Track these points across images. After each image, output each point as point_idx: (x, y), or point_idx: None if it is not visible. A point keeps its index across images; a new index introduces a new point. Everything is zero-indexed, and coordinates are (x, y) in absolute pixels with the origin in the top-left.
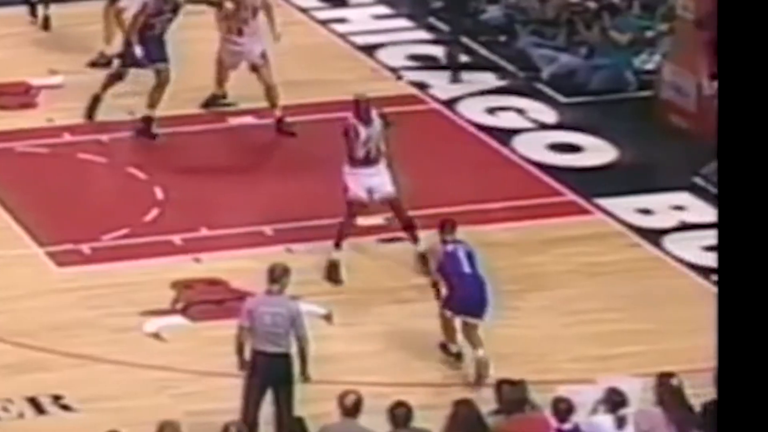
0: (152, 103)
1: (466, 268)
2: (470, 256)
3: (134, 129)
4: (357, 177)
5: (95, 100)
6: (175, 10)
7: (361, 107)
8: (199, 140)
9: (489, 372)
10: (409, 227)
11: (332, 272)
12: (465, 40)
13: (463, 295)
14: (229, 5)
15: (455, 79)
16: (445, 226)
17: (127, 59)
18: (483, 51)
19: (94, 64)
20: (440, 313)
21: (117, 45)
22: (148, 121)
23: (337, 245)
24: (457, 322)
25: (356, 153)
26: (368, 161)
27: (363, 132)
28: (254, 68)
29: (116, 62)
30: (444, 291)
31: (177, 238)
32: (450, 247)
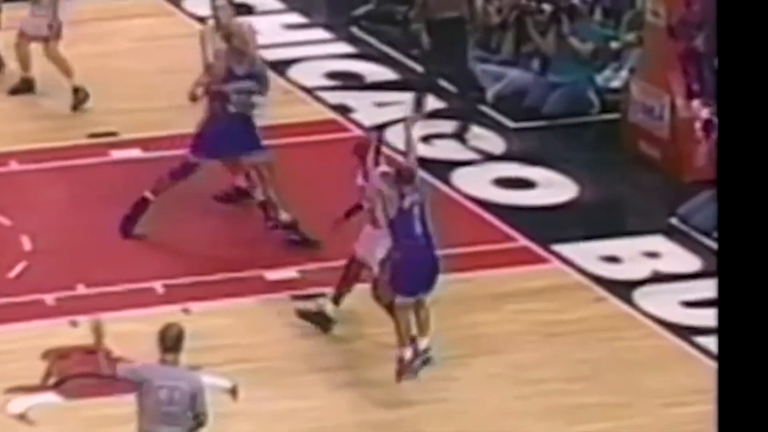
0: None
1: (418, 230)
2: (422, 211)
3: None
4: (368, 236)
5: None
6: (256, 78)
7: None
8: (75, 177)
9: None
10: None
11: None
12: (391, 52)
13: (414, 267)
14: None
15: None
16: (403, 174)
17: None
18: (413, 65)
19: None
20: (395, 305)
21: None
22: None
23: (336, 302)
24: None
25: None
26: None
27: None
28: None
29: None
30: (387, 265)
31: (49, 298)
32: (407, 203)
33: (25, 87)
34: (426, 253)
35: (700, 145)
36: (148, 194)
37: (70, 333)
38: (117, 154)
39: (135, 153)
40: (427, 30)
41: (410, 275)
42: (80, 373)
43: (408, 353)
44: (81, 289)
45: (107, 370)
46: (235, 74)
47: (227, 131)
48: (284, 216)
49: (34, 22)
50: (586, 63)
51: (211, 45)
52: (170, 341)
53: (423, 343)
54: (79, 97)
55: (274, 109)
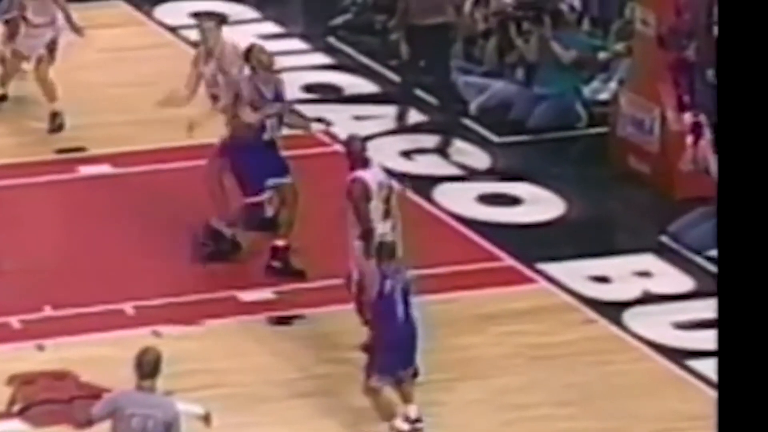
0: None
1: (400, 313)
2: (406, 293)
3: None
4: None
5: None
6: (281, 100)
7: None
8: (42, 194)
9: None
10: None
11: None
12: (371, 64)
13: (394, 349)
14: None
15: None
16: (384, 250)
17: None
18: (393, 77)
19: None
20: (366, 387)
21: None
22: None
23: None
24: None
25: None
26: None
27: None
28: None
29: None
30: (369, 342)
31: (14, 320)
32: (388, 286)
33: None
34: (406, 334)
35: (687, 150)
36: (225, 229)
37: (36, 357)
38: (86, 170)
39: (104, 169)
40: (408, 38)
41: (388, 356)
42: (47, 399)
43: (403, 426)
44: (48, 311)
45: (83, 417)
46: (266, 98)
47: (266, 162)
48: (281, 242)
49: (28, 42)
50: (569, 71)
51: (199, 69)
52: (147, 367)
53: (412, 412)
54: (55, 123)
55: None
